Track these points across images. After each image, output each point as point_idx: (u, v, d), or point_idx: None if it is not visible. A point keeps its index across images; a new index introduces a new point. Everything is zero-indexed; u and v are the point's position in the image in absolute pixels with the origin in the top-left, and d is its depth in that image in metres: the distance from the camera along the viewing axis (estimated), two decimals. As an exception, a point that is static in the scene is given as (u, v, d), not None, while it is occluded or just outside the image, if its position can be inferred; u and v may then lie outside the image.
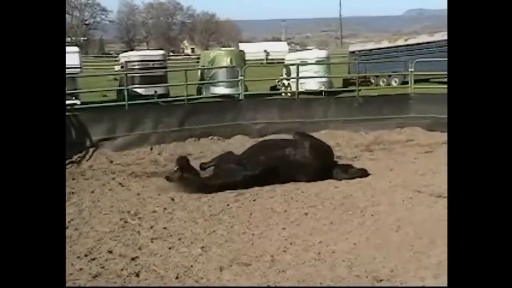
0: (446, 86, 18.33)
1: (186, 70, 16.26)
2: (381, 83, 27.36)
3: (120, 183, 9.24)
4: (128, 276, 5.18)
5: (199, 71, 23.48)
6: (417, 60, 16.25)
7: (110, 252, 5.82)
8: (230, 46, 59.82)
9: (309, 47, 65.63)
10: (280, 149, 9.11)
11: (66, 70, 11.18)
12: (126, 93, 13.25)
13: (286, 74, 23.52)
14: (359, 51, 32.41)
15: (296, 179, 8.86)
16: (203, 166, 9.38)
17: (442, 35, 27.73)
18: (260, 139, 11.37)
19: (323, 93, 19.22)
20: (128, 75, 18.27)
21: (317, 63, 23.71)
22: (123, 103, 13.13)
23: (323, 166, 9.08)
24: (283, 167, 8.84)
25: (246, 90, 15.80)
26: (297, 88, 16.00)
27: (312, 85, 21.57)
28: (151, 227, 6.72)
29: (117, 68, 28.78)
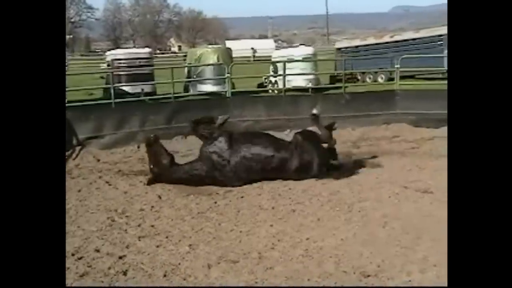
0: (431, 82, 18.54)
1: (173, 67, 16.24)
2: (367, 79, 27.49)
3: (107, 182, 9.18)
4: (115, 274, 5.16)
5: (186, 69, 23.42)
6: (403, 56, 16.34)
7: (97, 251, 5.78)
8: (217, 44, 59.74)
9: (295, 44, 65.77)
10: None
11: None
12: (112, 91, 13.21)
13: (273, 71, 23.55)
14: (346, 48, 32.55)
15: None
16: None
17: (428, 32, 27.97)
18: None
19: (310, 90, 19.25)
20: (115, 73, 18.22)
21: (304, 60, 23.80)
22: (110, 101, 13.09)
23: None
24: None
25: (233, 87, 15.82)
26: (284, 85, 16.03)
27: (299, 82, 21.64)
28: (139, 225, 6.69)
29: (103, 66, 28.63)
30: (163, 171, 8.81)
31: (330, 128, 9.71)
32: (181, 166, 8.93)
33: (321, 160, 8.92)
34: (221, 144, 8.81)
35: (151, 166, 8.95)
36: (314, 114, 9.74)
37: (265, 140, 9.00)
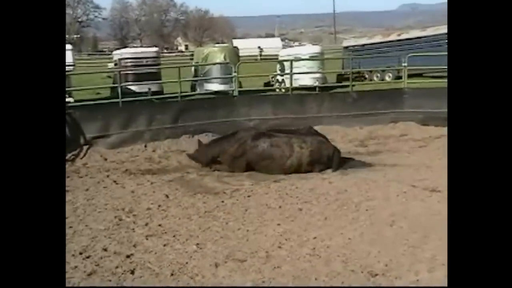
0: (439, 80, 18.43)
1: (179, 67, 16.23)
2: (375, 78, 27.45)
3: (114, 181, 9.22)
4: (123, 273, 5.18)
5: (192, 68, 23.42)
6: (410, 54, 16.27)
7: (105, 249, 5.81)
8: (223, 43, 59.72)
9: (302, 43, 65.81)
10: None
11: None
12: (119, 90, 13.22)
13: (280, 70, 23.53)
14: (353, 46, 32.48)
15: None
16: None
17: (435, 30, 27.85)
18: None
19: (317, 89, 19.21)
20: (122, 72, 18.24)
21: (311, 58, 23.74)
22: (117, 100, 13.10)
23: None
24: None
25: (240, 86, 15.78)
26: (291, 84, 16.00)
27: (306, 80, 21.61)
28: (146, 224, 6.71)
29: (110, 65, 28.66)
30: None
31: None
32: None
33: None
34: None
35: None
36: None
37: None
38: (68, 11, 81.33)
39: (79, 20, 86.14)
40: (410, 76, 16.16)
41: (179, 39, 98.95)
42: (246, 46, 51.86)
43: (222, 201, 7.69)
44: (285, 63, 22.11)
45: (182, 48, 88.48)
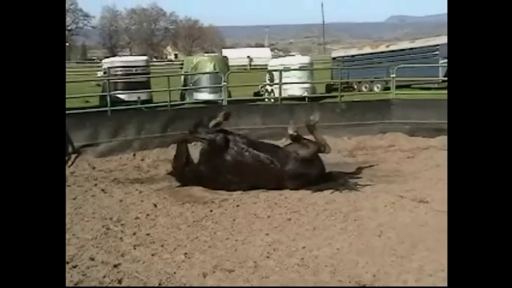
0: (427, 91, 18.60)
1: (169, 76, 16.23)
2: (363, 88, 27.59)
3: (102, 190, 9.17)
4: (110, 283, 5.14)
5: (182, 77, 23.43)
6: (399, 66, 16.40)
7: (92, 259, 5.77)
8: (213, 52, 59.91)
9: (292, 53, 66.09)
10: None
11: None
12: (108, 99, 13.19)
13: (269, 80, 23.59)
14: (342, 57, 32.65)
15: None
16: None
17: (423, 42, 28.14)
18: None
19: (306, 99, 19.28)
20: (111, 81, 18.21)
21: (300, 69, 23.86)
22: (106, 109, 13.06)
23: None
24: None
25: (229, 96, 15.81)
26: (280, 94, 16.04)
27: (295, 90, 21.70)
28: (134, 234, 6.68)
29: (99, 74, 28.59)
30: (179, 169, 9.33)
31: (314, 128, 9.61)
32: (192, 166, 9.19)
33: (318, 169, 8.95)
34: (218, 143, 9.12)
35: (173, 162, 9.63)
36: (311, 124, 9.68)
37: (263, 146, 9.17)
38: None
39: (69, 28, 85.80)
40: (398, 87, 16.27)
41: (169, 48, 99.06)
42: (236, 56, 52.07)
43: (211, 211, 7.68)
44: (274, 73, 22.16)
45: (172, 57, 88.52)
